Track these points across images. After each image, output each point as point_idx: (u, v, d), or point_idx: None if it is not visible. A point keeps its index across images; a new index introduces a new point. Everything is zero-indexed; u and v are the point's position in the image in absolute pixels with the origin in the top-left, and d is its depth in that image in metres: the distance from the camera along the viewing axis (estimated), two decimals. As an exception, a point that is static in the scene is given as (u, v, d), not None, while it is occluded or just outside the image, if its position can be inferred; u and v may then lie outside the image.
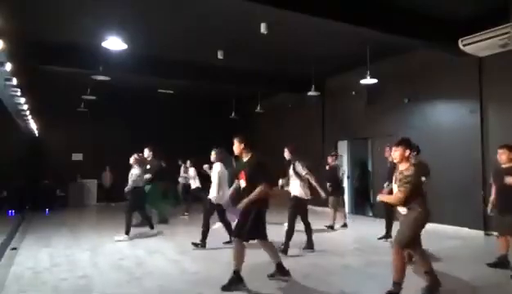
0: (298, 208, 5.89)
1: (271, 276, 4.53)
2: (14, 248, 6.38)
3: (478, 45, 5.97)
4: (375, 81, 8.50)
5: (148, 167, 8.37)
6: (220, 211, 6.40)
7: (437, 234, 7.44)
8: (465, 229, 7.51)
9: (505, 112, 7.23)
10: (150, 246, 6.60)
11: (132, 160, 7.35)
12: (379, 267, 4.96)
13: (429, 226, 7.83)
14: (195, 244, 6.24)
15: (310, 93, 9.98)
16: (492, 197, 5.01)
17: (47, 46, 8.03)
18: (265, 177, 4.19)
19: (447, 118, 8.30)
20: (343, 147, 11.31)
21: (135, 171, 7.22)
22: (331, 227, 7.98)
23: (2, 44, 5.20)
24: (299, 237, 5.99)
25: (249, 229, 4.13)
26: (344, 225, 8.31)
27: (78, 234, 7.67)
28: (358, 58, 8.48)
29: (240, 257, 4.18)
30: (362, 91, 9.95)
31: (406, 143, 3.89)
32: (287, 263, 5.35)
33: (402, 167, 3.84)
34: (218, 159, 6.58)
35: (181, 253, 6.05)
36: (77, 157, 13.50)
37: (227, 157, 6.75)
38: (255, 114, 13.64)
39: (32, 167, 12.30)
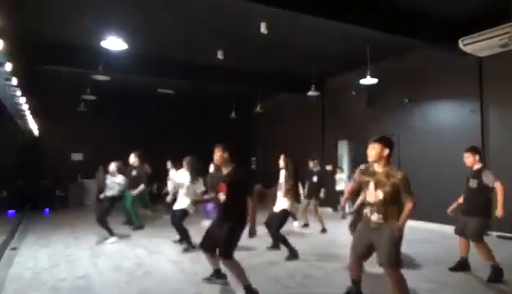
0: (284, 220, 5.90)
1: (207, 279, 4.42)
2: (14, 248, 6.38)
3: (479, 45, 5.96)
4: (375, 81, 8.48)
5: (134, 173, 8.25)
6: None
7: (438, 234, 7.45)
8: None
9: (506, 112, 7.23)
10: (150, 246, 6.60)
11: (113, 168, 7.07)
12: (380, 269, 4.94)
13: (430, 226, 7.91)
14: (185, 249, 6.22)
15: (310, 93, 9.97)
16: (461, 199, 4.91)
17: (47, 46, 8.03)
18: (249, 191, 3.95)
19: (447, 118, 8.29)
20: (343, 147, 11.31)
21: (118, 180, 6.98)
22: (324, 230, 7.90)
23: (2, 44, 5.20)
24: (303, 239, 5.98)
25: (223, 244, 3.87)
26: (305, 225, 8.32)
27: (78, 234, 7.67)
28: (358, 58, 8.47)
29: (241, 271, 3.92)
30: (362, 90, 9.95)
31: (385, 141, 3.41)
32: (287, 264, 5.35)
33: (379, 168, 3.41)
34: (189, 169, 6.39)
35: (181, 254, 6.05)
36: (77, 157, 13.50)
37: (197, 166, 6.52)
38: (255, 114, 13.64)
39: (32, 166, 12.30)
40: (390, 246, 3.29)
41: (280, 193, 5.86)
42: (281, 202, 5.79)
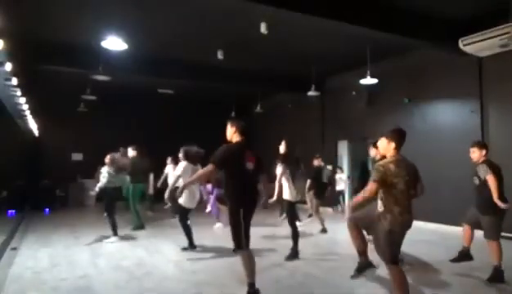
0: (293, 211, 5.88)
1: None
2: (14, 248, 6.38)
3: (479, 45, 5.95)
4: (375, 81, 8.49)
5: (136, 163, 8.35)
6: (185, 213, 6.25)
7: (437, 234, 7.46)
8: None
9: (506, 112, 7.22)
10: (150, 246, 6.60)
11: (106, 160, 7.11)
12: (381, 269, 4.95)
13: (430, 226, 7.91)
14: (184, 248, 6.20)
15: (310, 93, 9.98)
16: None
17: (47, 46, 8.02)
18: (212, 157, 3.83)
19: (448, 117, 8.29)
20: (343, 147, 11.31)
21: (103, 172, 7.01)
22: (324, 230, 7.87)
23: (2, 44, 5.20)
24: (304, 239, 5.98)
25: (232, 234, 3.81)
26: (310, 216, 8.36)
27: (78, 234, 7.66)
28: (358, 58, 8.47)
29: (248, 267, 3.80)
30: (362, 91, 9.95)
31: (390, 135, 3.44)
32: (288, 264, 5.35)
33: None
34: (185, 158, 6.40)
35: (181, 253, 6.05)
36: (77, 157, 13.51)
37: (195, 155, 6.56)
38: (255, 114, 13.64)
39: (32, 166, 12.30)
40: (380, 241, 3.33)
41: (285, 182, 5.84)
42: (285, 190, 5.80)
